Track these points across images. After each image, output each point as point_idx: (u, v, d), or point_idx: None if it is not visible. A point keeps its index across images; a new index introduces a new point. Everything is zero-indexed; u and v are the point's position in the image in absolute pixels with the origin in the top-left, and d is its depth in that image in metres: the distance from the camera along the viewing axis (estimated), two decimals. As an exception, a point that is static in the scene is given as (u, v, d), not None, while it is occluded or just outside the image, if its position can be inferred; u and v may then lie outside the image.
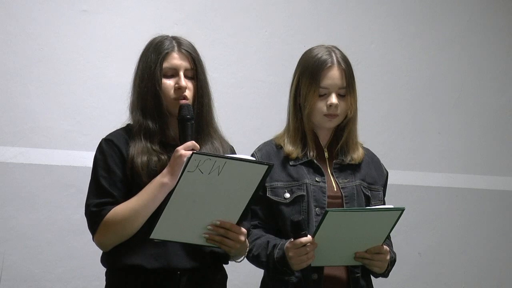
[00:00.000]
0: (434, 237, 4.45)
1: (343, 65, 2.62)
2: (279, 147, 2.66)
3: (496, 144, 4.64)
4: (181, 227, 2.26)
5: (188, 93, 2.43)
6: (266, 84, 4.09)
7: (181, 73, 2.43)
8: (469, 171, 4.56)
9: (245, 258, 2.54)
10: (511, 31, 4.72)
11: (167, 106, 2.42)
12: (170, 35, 2.51)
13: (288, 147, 2.64)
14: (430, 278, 4.43)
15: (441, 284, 4.45)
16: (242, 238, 2.33)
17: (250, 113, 4.07)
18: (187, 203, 2.22)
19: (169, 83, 2.43)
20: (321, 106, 2.60)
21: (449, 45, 4.56)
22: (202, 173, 2.18)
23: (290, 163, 2.63)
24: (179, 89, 2.41)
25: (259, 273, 2.68)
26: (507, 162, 4.65)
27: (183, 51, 2.45)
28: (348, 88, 2.62)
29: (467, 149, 4.57)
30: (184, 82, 2.42)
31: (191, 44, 2.50)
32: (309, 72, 2.61)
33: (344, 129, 2.67)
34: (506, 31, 4.70)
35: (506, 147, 4.66)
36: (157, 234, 2.24)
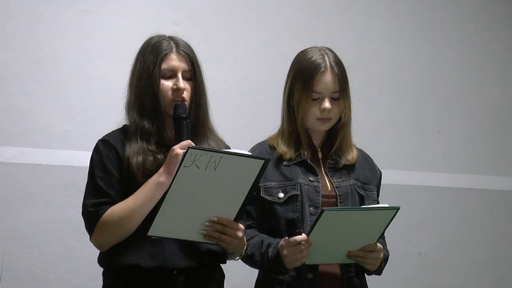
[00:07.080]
0: (434, 237, 4.45)
1: (336, 69, 2.62)
2: (273, 148, 2.67)
3: (496, 144, 4.64)
4: (179, 224, 2.25)
5: (186, 95, 2.42)
6: (266, 84, 4.09)
7: (179, 75, 2.43)
8: (469, 171, 4.56)
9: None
10: (511, 31, 4.72)
11: (165, 107, 2.41)
12: (167, 35, 2.51)
13: (282, 148, 2.64)
14: (430, 278, 4.43)
15: (441, 284, 4.45)
16: (240, 234, 2.33)
17: (249, 113, 4.07)
18: (184, 199, 2.22)
19: (167, 84, 2.42)
20: (315, 110, 2.61)
21: (449, 45, 4.57)
22: (198, 168, 2.17)
23: (284, 163, 2.63)
24: (177, 90, 2.41)
25: (257, 272, 2.68)
26: (507, 162, 4.65)
27: (181, 52, 2.45)
28: (341, 92, 2.62)
29: (467, 149, 4.57)
30: (182, 83, 2.42)
31: (189, 45, 2.49)
32: (302, 77, 2.61)
33: (338, 132, 2.67)
34: (506, 31, 4.71)
35: (506, 147, 4.66)
36: (154, 231, 2.24)
